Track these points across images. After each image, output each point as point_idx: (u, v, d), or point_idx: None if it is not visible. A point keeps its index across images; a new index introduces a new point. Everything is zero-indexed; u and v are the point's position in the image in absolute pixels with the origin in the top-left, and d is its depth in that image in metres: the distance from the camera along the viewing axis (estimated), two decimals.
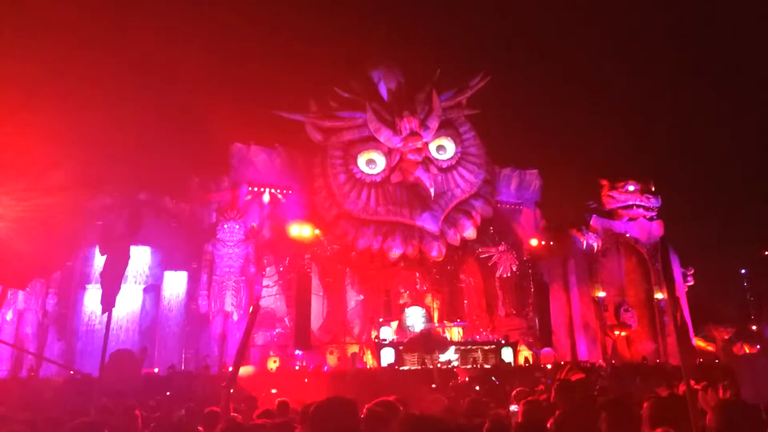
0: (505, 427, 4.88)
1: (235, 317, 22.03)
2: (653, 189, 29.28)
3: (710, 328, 31.53)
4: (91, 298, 21.12)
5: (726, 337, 31.35)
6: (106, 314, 6.49)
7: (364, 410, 4.47)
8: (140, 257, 21.82)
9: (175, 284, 22.58)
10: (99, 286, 21.26)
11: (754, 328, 32.39)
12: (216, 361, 20.78)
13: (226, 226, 22.66)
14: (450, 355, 22.74)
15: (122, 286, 21.66)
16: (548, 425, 4.65)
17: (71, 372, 18.61)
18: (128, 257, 6.85)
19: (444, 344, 22.48)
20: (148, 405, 9.47)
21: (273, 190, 25.10)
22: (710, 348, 30.49)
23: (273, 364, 21.55)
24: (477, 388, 14.84)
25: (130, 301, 21.74)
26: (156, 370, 20.33)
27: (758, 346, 28.93)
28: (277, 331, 23.63)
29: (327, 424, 3.11)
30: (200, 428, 4.89)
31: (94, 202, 21.34)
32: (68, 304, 21.55)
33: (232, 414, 6.26)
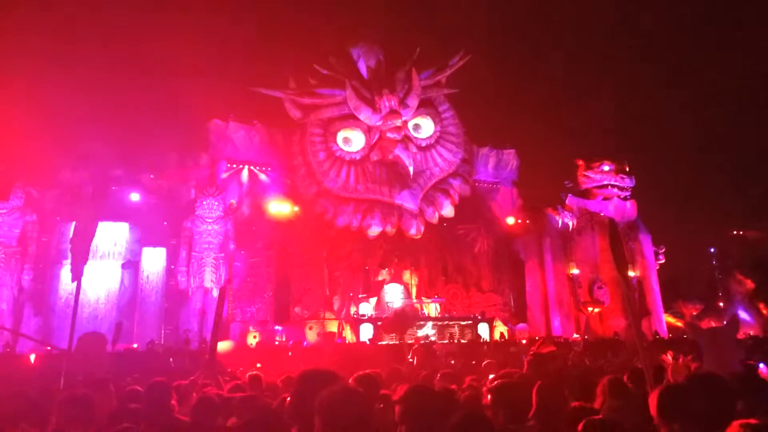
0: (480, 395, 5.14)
1: (215, 293, 22.11)
2: (627, 169, 29.81)
3: (680, 304, 32.51)
4: (68, 274, 20.94)
5: (695, 313, 32.38)
6: (76, 284, 6.37)
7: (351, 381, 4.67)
8: (118, 234, 21.72)
9: (154, 260, 22.54)
10: None
11: (721, 304, 33.44)
12: (196, 336, 20.91)
13: (204, 202, 22.61)
14: (427, 330, 23.21)
15: (97, 260, 21.50)
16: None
17: (48, 348, 18.57)
18: (95, 225, 6.68)
19: (418, 320, 22.88)
20: (125, 382, 9.37)
21: (252, 167, 25.03)
22: (680, 324, 31.45)
23: (253, 339, 21.78)
24: (452, 362, 15.19)
25: (108, 277, 21.66)
26: (135, 345, 20.41)
27: (724, 322, 29.96)
28: (257, 306, 23.81)
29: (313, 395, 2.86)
30: (173, 402, 4.99)
31: (71, 177, 21.11)
32: (44, 280, 21.42)
33: (205, 388, 6.32)
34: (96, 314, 20.86)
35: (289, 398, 3.44)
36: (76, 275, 6.38)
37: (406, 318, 21.62)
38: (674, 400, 3.07)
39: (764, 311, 31.88)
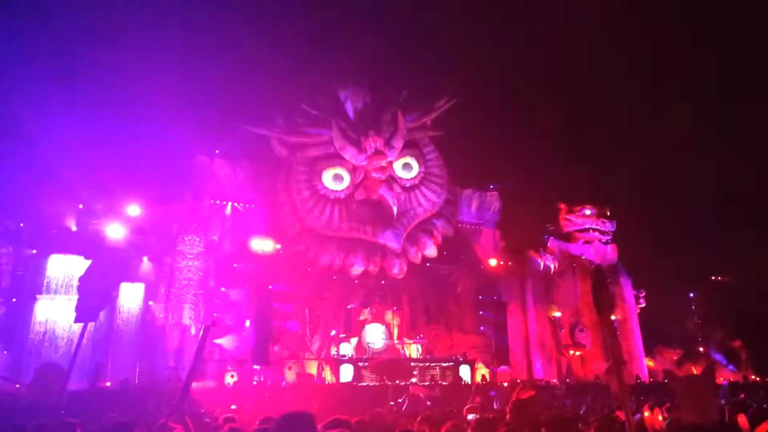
0: None
1: (193, 331, 21.71)
2: (608, 213, 30.27)
3: (660, 349, 32.54)
4: (42, 308, 20.55)
5: (675, 358, 32.38)
6: (81, 326, 5.98)
7: (319, 428, 4.56)
8: None
9: (132, 296, 22.13)
10: (50, 296, 20.63)
11: (701, 349, 33.54)
12: (173, 374, 20.40)
13: (186, 238, 22.42)
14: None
15: (73, 294, 21.02)
16: None
17: (17, 386, 17.97)
18: (123, 272, 6.37)
19: (407, 373, 22.65)
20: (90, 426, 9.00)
21: (235, 204, 24.96)
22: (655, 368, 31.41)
23: (230, 379, 21.30)
24: (428, 403, 14.97)
25: None
26: (108, 384, 19.84)
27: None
28: (235, 345, 23.34)
29: None
30: None
31: (50, 209, 20.86)
32: (17, 315, 20.85)
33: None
34: (69, 350, 20.31)
35: None
36: (84, 317, 6.06)
37: (399, 367, 21.54)
38: None
39: (741, 355, 32.05)
